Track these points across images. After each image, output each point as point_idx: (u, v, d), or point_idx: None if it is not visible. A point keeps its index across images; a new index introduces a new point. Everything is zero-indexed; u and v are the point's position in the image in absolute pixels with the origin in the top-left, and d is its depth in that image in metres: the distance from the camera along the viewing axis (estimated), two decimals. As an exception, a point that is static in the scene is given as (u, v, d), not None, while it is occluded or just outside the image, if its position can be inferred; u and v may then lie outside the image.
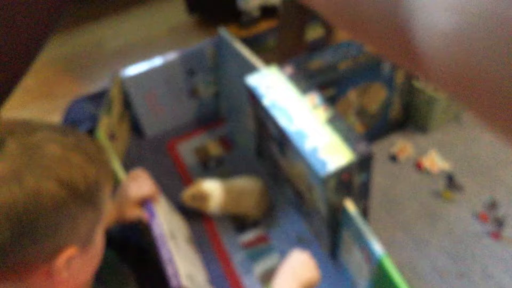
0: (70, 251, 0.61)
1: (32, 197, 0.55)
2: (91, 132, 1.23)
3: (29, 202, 0.55)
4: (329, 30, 1.65)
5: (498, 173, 1.23)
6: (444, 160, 1.27)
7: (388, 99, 1.26)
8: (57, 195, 0.57)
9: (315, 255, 1.11)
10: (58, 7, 0.99)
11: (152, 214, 0.97)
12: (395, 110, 1.31)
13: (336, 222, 0.99)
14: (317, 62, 1.14)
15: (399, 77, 1.22)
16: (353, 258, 0.98)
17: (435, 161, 1.27)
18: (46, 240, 0.59)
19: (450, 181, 1.21)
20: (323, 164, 0.86)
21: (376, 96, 1.23)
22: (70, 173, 0.59)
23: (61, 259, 0.60)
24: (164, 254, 0.90)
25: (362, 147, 0.88)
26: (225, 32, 1.30)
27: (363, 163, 0.89)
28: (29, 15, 0.90)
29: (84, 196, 0.61)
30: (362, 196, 0.99)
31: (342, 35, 1.62)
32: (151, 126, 1.43)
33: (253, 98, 1.06)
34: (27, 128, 0.60)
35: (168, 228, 0.98)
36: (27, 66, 0.95)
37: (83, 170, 0.60)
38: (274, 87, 1.03)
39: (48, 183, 0.56)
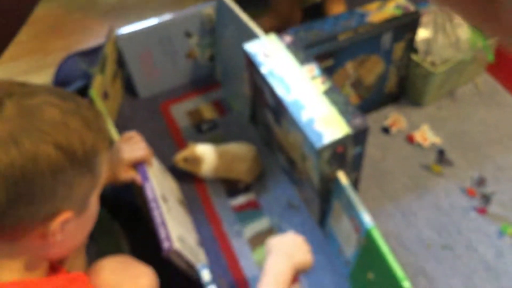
0: (65, 215, 0.62)
1: (29, 160, 0.55)
2: (84, 89, 1.21)
3: (26, 165, 0.55)
4: None
5: (488, 151, 1.26)
6: (436, 135, 1.29)
7: (384, 72, 1.26)
8: (54, 159, 0.57)
9: (304, 221, 1.14)
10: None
11: (145, 177, 0.98)
12: (391, 84, 1.31)
13: (327, 192, 1.01)
14: (317, 32, 1.13)
15: (398, 51, 1.21)
16: (342, 227, 1.00)
17: (426, 135, 1.29)
18: (42, 204, 0.59)
19: (441, 155, 1.23)
20: (319, 135, 0.86)
21: (373, 69, 1.23)
22: (68, 138, 0.59)
23: (56, 222, 0.61)
24: (156, 217, 0.91)
25: (358, 120, 0.88)
26: (224, -5, 1.27)
27: (358, 137, 0.90)
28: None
29: (81, 161, 0.61)
30: (355, 168, 1.00)
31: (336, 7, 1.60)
32: (145, 86, 1.42)
33: (251, 65, 1.05)
34: (26, 90, 0.60)
35: (160, 190, 0.99)
36: (22, 21, 0.93)
37: (81, 135, 0.60)
38: (272, 56, 1.02)
39: (45, 147, 0.56)
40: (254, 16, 1.22)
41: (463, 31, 1.29)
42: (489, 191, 1.14)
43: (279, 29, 1.52)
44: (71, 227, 0.65)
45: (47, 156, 0.57)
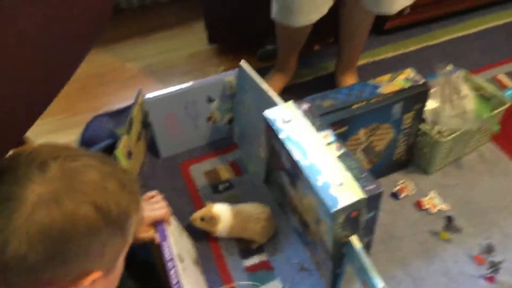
0: (96, 275, 0.64)
1: (69, 220, 0.58)
2: (110, 148, 1.28)
3: (65, 225, 0.58)
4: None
5: (495, 218, 1.29)
6: (443, 202, 1.33)
7: (394, 140, 1.32)
8: (92, 220, 0.60)
9: (315, 284, 1.16)
10: (96, 31, 1.06)
11: (163, 236, 1.01)
12: (400, 151, 1.37)
13: (340, 256, 1.04)
14: (332, 100, 1.20)
15: (407, 120, 1.28)
16: (353, 291, 1.02)
17: (434, 202, 1.33)
18: (76, 263, 0.61)
19: (449, 222, 1.27)
20: (334, 199, 0.91)
21: (383, 136, 1.29)
22: (106, 200, 0.62)
23: (86, 282, 0.63)
24: (172, 277, 0.95)
25: (372, 186, 0.94)
26: (246, 65, 1.37)
27: (371, 202, 0.94)
28: (73, 35, 0.97)
29: (115, 223, 0.63)
30: (367, 232, 1.05)
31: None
32: (167, 147, 1.49)
33: (270, 130, 1.12)
34: (70, 153, 0.64)
35: (177, 250, 1.03)
36: (63, 84, 1.02)
37: (116, 197, 0.64)
38: (290, 122, 1.09)
39: (85, 207, 0.59)
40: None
41: (470, 102, 1.36)
42: (498, 259, 1.17)
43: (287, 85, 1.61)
44: (98, 286, 0.66)
45: (86, 216, 0.59)
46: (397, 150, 1.37)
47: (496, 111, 1.39)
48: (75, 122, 1.61)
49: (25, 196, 0.57)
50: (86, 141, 1.47)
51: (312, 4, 1.33)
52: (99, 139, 1.43)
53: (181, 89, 1.38)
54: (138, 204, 0.71)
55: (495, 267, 1.16)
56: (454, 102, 1.37)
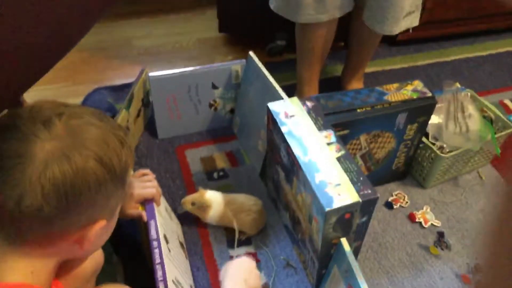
0: (102, 223, 0.68)
1: (80, 175, 0.61)
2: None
3: (76, 179, 0.61)
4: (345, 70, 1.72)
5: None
6: (436, 218, 1.32)
7: (395, 150, 1.31)
8: (99, 174, 0.64)
9: (300, 283, 1.15)
10: (104, 5, 1.04)
11: (151, 215, 1.01)
12: (399, 161, 1.36)
13: (328, 256, 1.03)
14: (337, 102, 1.19)
15: (410, 132, 1.27)
16: (337, 294, 1.01)
17: (427, 216, 1.32)
18: (85, 213, 0.65)
19: (440, 238, 1.26)
20: (329, 199, 0.90)
21: (384, 145, 1.28)
22: (109, 155, 0.65)
23: (94, 229, 0.67)
24: (156, 257, 0.93)
25: (368, 191, 0.92)
26: (254, 56, 1.35)
27: (365, 207, 0.93)
28: (79, 7, 0.95)
29: (118, 177, 0.67)
30: (358, 237, 1.03)
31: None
32: (165, 128, 1.47)
33: (272, 123, 1.11)
34: (72, 111, 0.66)
35: (163, 231, 1.02)
36: (65, 53, 1.00)
37: (118, 153, 0.67)
38: (293, 117, 1.08)
39: (92, 162, 0.63)
40: (277, 79, 1.29)
41: (474, 122, 1.36)
42: (483, 281, 1.16)
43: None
44: (100, 233, 0.70)
45: (94, 171, 0.63)
46: (396, 160, 1.35)
47: (499, 134, 1.38)
48: (75, 91, 1.59)
49: (34, 152, 0.60)
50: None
51: (322, 5, 1.33)
52: (98, 111, 1.41)
53: (186, 71, 1.37)
54: (133, 158, 0.74)
55: (480, 288, 1.15)
56: (458, 120, 1.36)
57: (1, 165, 0.60)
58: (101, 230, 0.69)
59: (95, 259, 0.89)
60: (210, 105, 1.48)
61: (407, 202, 1.36)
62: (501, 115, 1.44)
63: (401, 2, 1.33)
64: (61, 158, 0.60)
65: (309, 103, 1.13)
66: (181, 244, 1.17)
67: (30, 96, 1.00)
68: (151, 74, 1.34)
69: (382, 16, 1.37)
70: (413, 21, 1.42)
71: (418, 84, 1.27)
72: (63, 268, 0.75)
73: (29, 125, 0.62)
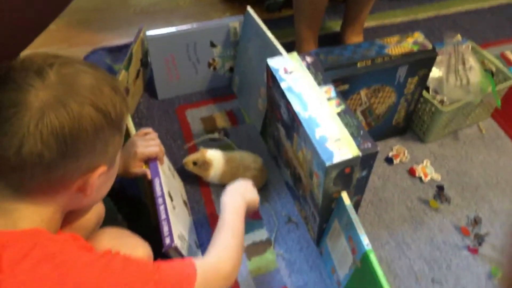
0: (102, 169, 0.70)
1: (76, 121, 0.62)
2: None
3: (73, 125, 0.62)
4: (344, 27, 1.69)
5: (485, 193, 1.30)
6: (436, 172, 1.33)
7: (395, 105, 1.31)
8: (95, 120, 0.65)
9: (301, 237, 1.17)
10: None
11: (155, 173, 1.01)
12: (399, 116, 1.36)
13: (329, 211, 1.04)
14: (337, 56, 1.18)
15: (410, 86, 1.26)
16: (338, 247, 1.03)
17: (427, 171, 1.33)
18: (84, 159, 0.66)
19: (440, 191, 1.27)
20: (330, 154, 0.90)
21: (385, 99, 1.28)
22: (104, 102, 0.66)
23: (95, 175, 0.69)
24: (161, 213, 0.95)
25: (368, 145, 0.93)
26: (252, 12, 1.33)
27: (366, 161, 0.94)
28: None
29: (114, 123, 0.68)
30: (358, 191, 1.04)
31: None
32: (165, 88, 1.46)
33: (271, 79, 1.10)
34: (63, 61, 0.67)
35: (167, 188, 1.03)
36: (58, 13, 0.98)
37: (112, 100, 0.68)
38: (293, 73, 1.07)
39: (87, 109, 0.64)
40: (276, 36, 1.27)
41: (475, 74, 1.34)
42: (483, 233, 1.18)
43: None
44: (102, 180, 0.72)
45: (90, 117, 0.64)
46: (396, 115, 1.35)
47: (500, 86, 1.37)
48: (72, 53, 1.57)
49: (29, 101, 0.61)
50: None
51: None
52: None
53: (184, 29, 1.35)
54: (127, 105, 0.75)
55: (479, 239, 1.17)
56: (459, 73, 1.35)
57: None
58: (102, 177, 0.71)
59: (97, 211, 0.92)
60: (209, 65, 1.46)
61: (407, 157, 1.37)
62: (502, 67, 1.42)
63: None
64: (57, 105, 0.61)
65: (308, 59, 1.11)
66: (185, 202, 1.19)
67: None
68: (148, 33, 1.32)
69: None
70: None
71: (418, 36, 1.25)
72: (67, 220, 0.76)
73: (22, 76, 0.62)
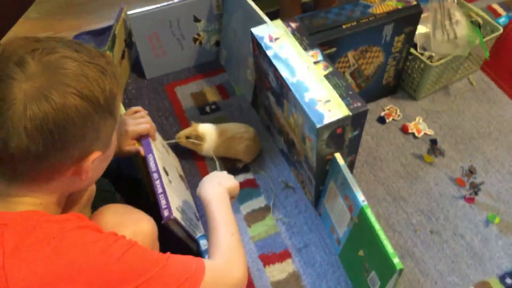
0: (95, 154, 0.69)
1: (60, 112, 0.61)
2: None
3: (58, 117, 0.61)
4: None
5: (479, 144, 1.31)
6: (429, 127, 1.34)
7: (384, 64, 1.31)
8: (81, 109, 0.63)
9: (299, 201, 1.19)
10: None
11: (148, 150, 1.02)
12: (389, 76, 1.36)
13: (324, 173, 1.05)
14: (321, 20, 1.17)
15: (398, 44, 1.26)
16: (335, 207, 1.05)
17: (420, 126, 1.34)
18: (74, 148, 0.66)
19: (433, 145, 1.28)
20: (320, 116, 0.91)
21: (373, 60, 1.27)
22: (89, 88, 0.64)
23: (88, 161, 0.69)
24: (157, 187, 0.96)
25: (358, 104, 0.93)
26: (233, -19, 1.32)
27: (356, 120, 0.94)
28: None
29: (103, 108, 0.67)
30: (351, 151, 1.05)
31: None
32: (151, 67, 1.46)
33: (257, 48, 1.10)
34: (45, 46, 0.64)
35: (162, 164, 1.03)
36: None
37: (99, 83, 0.66)
38: (278, 40, 1.07)
39: (71, 98, 0.62)
40: (260, 7, 1.26)
41: (462, 28, 1.34)
42: (478, 182, 1.20)
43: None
44: (97, 163, 0.72)
45: (75, 106, 0.62)
46: (386, 74, 1.35)
47: (488, 38, 1.37)
48: (57, 40, 1.56)
49: (12, 94, 0.59)
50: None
51: None
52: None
53: (165, 5, 1.33)
54: (119, 83, 0.73)
55: (475, 188, 1.18)
56: (446, 28, 1.34)
57: None
58: (97, 161, 0.71)
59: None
60: (195, 40, 1.45)
61: (399, 115, 1.38)
62: (489, 18, 1.42)
63: None
64: (39, 97, 0.60)
65: (293, 24, 1.11)
66: (181, 177, 1.20)
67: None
68: (129, 12, 1.31)
69: None
70: None
71: (402, -6, 1.24)
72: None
73: (3, 68, 0.61)
